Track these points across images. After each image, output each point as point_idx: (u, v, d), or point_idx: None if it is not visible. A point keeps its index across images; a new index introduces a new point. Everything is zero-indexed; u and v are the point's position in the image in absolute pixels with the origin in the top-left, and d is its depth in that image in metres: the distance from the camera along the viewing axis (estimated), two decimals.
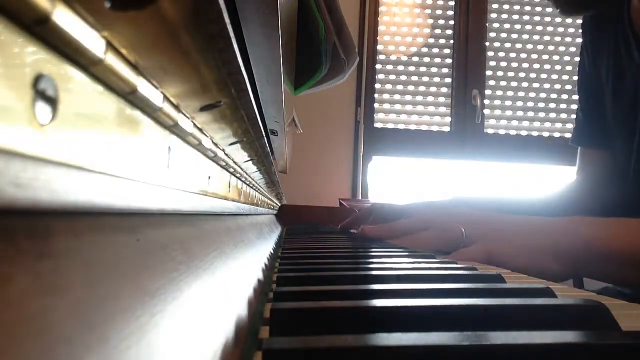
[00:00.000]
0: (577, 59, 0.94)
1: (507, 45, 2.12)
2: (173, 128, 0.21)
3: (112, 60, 0.13)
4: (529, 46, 2.12)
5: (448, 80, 2.10)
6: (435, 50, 2.11)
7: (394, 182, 2.12)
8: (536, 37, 2.12)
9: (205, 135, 0.26)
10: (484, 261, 0.52)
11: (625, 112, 0.77)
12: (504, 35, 2.12)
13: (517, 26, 2.12)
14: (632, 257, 0.48)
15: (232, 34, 0.19)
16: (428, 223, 0.66)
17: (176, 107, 0.20)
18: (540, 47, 2.12)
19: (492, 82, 2.11)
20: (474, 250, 0.54)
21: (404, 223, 0.70)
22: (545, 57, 2.11)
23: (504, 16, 2.12)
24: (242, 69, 0.23)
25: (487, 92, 2.10)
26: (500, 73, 2.11)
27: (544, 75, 2.11)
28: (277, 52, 0.34)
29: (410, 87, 2.08)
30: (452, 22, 2.12)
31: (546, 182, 2.09)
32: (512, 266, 0.51)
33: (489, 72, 2.11)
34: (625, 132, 0.78)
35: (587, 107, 0.89)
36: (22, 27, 0.10)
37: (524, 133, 2.10)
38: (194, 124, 0.23)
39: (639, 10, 0.74)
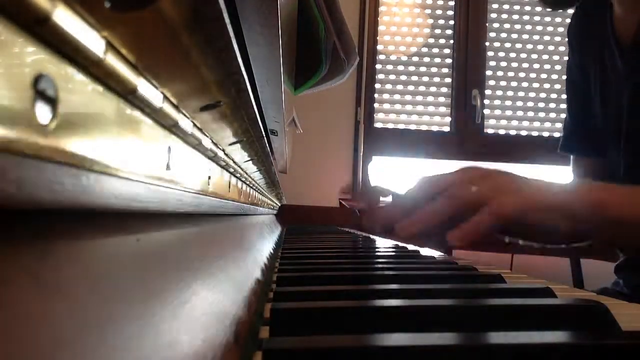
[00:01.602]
0: None
1: (507, 45, 2.12)
2: (173, 128, 0.21)
3: (112, 60, 0.13)
4: (529, 46, 2.12)
5: (448, 80, 2.10)
6: (435, 50, 2.11)
7: (394, 183, 2.12)
8: (536, 37, 2.12)
9: (205, 135, 0.26)
10: (496, 224, 0.48)
11: (612, 120, 0.77)
12: (504, 35, 2.12)
13: (517, 26, 2.12)
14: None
15: (232, 34, 0.19)
16: (434, 191, 0.56)
17: (176, 107, 0.20)
18: (540, 47, 2.12)
19: (492, 82, 2.11)
20: (483, 216, 0.49)
21: (405, 197, 0.59)
22: (545, 57, 2.11)
23: (504, 16, 2.12)
24: (242, 69, 0.23)
25: (487, 92, 2.10)
26: (500, 73, 2.11)
27: (544, 75, 2.11)
28: (277, 52, 0.34)
29: (410, 87, 2.08)
30: (452, 22, 2.12)
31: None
32: (522, 222, 0.49)
33: (489, 72, 2.11)
34: (613, 140, 0.78)
35: (577, 114, 0.90)
36: (22, 27, 0.10)
37: (524, 133, 2.10)
38: (194, 124, 0.23)
39: (621, 18, 0.74)
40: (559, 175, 2.05)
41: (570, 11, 0.90)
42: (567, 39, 0.91)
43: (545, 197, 0.51)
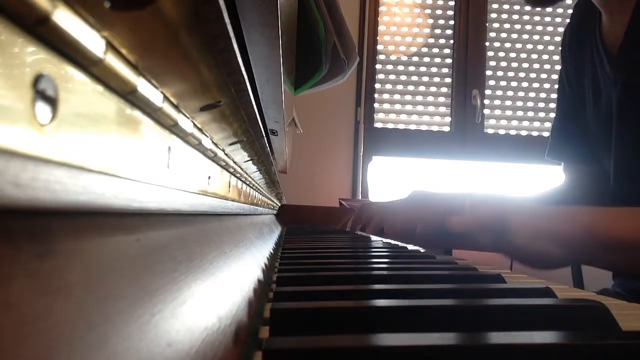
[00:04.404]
0: None
1: (507, 45, 2.12)
2: (173, 128, 0.21)
3: (112, 60, 0.13)
4: (529, 46, 2.12)
5: (448, 80, 2.10)
6: (435, 50, 2.11)
7: (394, 182, 2.12)
8: (536, 37, 2.12)
9: (205, 135, 0.26)
10: (488, 223, 0.52)
11: (603, 125, 0.78)
12: (504, 35, 2.12)
13: (517, 26, 2.12)
14: (633, 244, 0.47)
15: (232, 34, 0.19)
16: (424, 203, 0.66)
17: (176, 107, 0.20)
18: (540, 47, 2.12)
19: (492, 82, 2.11)
20: (473, 214, 0.53)
21: (398, 203, 0.71)
22: (545, 57, 2.11)
23: (504, 16, 2.12)
24: (242, 69, 0.23)
25: (487, 92, 2.10)
26: (500, 73, 2.11)
27: (544, 75, 2.11)
28: (277, 52, 0.34)
29: (410, 87, 2.08)
30: (452, 22, 2.12)
31: (545, 182, 2.08)
32: (513, 245, 0.50)
33: (489, 72, 2.11)
34: (604, 146, 0.79)
35: (567, 121, 0.90)
36: (22, 27, 0.10)
37: (524, 133, 2.10)
38: (194, 124, 0.23)
39: (608, 26, 0.75)
40: (557, 175, 2.05)
41: (570, 11, 0.91)
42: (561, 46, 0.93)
43: (536, 222, 0.52)
